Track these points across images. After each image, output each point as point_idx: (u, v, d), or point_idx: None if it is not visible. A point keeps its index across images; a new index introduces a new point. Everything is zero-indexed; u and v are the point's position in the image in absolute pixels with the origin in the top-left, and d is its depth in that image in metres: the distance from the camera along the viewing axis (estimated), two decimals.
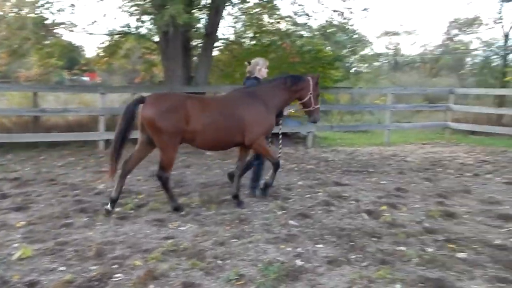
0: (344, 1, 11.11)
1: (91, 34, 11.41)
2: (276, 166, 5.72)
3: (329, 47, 12.62)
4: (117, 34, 11.96)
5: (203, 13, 11.64)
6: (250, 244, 4.23)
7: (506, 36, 18.21)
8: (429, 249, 4.15)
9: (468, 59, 29.05)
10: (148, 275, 3.51)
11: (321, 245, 4.23)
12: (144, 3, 9.53)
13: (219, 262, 3.83)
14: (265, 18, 12.43)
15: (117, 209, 5.30)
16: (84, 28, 11.29)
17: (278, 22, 12.45)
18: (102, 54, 13.43)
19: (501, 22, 18.17)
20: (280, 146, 6.30)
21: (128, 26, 11.18)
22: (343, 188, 6.60)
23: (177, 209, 5.26)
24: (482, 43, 22.27)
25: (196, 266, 3.73)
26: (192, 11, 10.04)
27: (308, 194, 6.11)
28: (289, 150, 10.22)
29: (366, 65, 36.49)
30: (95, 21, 11.12)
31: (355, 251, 4.07)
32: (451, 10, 52.22)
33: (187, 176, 7.38)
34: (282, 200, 5.80)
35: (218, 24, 11.07)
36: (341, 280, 3.50)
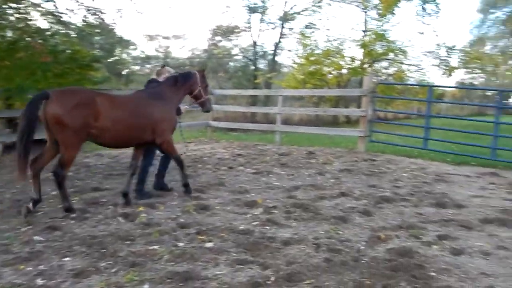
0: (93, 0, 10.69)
1: None
2: (181, 163, 6.10)
3: (89, 48, 11.96)
4: None
5: None
6: None
7: (255, 44, 20.51)
8: (181, 244, 4.27)
9: (231, 63, 31.76)
10: None
11: (68, 258, 3.91)
12: None
13: None
14: (12, 13, 11.03)
15: None
16: None
17: (27, 19, 11.20)
18: None
19: (250, 31, 20.34)
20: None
21: None
22: (102, 194, 6.32)
23: (69, 210, 5.21)
24: (241, 49, 24.60)
25: None
26: None
27: (61, 204, 5.63)
28: None
29: (138, 67, 36.39)
30: None
31: (105, 258, 3.90)
32: (215, 18, 56.28)
33: None
34: (29, 215, 5.19)
35: None
36: None
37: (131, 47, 32.57)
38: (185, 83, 6.16)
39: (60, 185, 5.15)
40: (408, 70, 22.34)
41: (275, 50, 20.90)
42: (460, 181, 7.66)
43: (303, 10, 21.26)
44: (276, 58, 31.17)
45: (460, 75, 68.62)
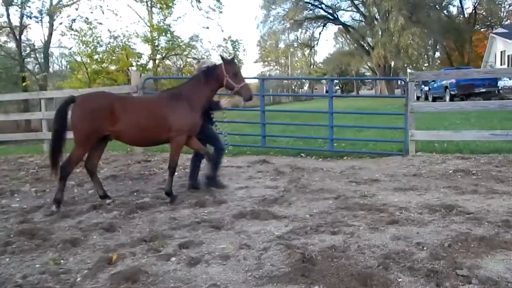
0: None
1: None
2: (172, 171, 5.82)
3: None
4: None
5: None
6: None
7: (19, 41, 18.01)
8: None
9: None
10: None
11: None
12: None
13: None
14: None
15: None
16: None
17: None
18: None
19: (10, 27, 17.77)
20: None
21: None
22: None
23: (57, 202, 5.42)
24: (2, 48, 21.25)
25: None
26: None
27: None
28: None
29: None
30: None
31: None
32: None
33: None
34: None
35: None
36: None
37: None
38: (207, 78, 5.82)
39: (62, 179, 5.47)
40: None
41: (45, 48, 18.58)
42: (231, 173, 7.48)
43: (71, 3, 19.38)
44: (60, 58, 28.39)
45: (259, 68, 74.13)
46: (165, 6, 19.30)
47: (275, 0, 43.34)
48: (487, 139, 7.84)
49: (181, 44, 20.48)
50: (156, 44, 20.47)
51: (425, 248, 3.81)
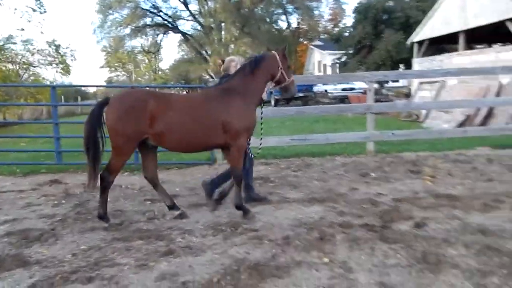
0: None
1: None
2: (239, 180, 4.99)
3: None
4: None
5: None
6: None
7: None
8: None
9: None
10: None
11: None
12: None
13: None
14: None
15: None
16: None
17: None
18: None
19: None
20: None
21: None
22: None
23: (101, 218, 4.79)
24: None
25: None
26: None
27: None
28: None
29: None
30: None
31: None
32: None
33: None
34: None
35: None
36: None
37: None
38: (261, 68, 5.01)
39: (102, 190, 4.75)
40: (10, 69, 19.74)
41: None
42: (5, 200, 6.15)
43: None
44: None
45: (106, 74, 70.33)
46: None
47: (111, 5, 40.73)
48: (288, 144, 7.96)
49: None
50: None
51: None
